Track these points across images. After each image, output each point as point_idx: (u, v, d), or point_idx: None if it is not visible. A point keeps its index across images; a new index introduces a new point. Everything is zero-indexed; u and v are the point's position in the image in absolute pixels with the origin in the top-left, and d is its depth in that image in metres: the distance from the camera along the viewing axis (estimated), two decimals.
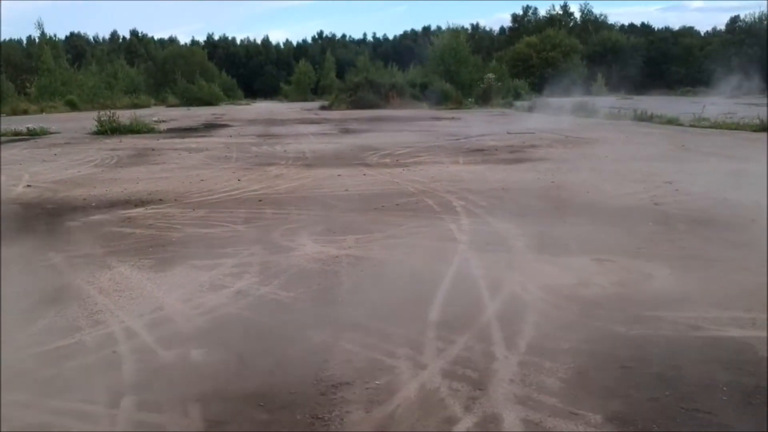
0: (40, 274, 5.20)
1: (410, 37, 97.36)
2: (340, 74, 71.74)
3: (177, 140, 19.13)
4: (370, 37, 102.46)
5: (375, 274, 4.99)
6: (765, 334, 3.64)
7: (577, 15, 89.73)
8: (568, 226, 6.55)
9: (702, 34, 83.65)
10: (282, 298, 4.48)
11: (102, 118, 22.69)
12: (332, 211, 7.58)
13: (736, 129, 18.80)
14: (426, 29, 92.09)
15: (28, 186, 10.12)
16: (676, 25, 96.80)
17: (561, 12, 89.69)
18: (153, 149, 16.18)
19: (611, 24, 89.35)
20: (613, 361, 3.36)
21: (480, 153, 14.08)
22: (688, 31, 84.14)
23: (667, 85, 67.39)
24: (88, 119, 25.45)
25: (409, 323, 3.92)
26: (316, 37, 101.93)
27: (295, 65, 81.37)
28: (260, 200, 8.42)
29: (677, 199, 7.94)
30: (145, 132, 22.52)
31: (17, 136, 22.01)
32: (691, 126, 20.58)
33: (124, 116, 23.89)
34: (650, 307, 4.13)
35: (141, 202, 8.40)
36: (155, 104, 57.57)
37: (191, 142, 18.51)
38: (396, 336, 3.73)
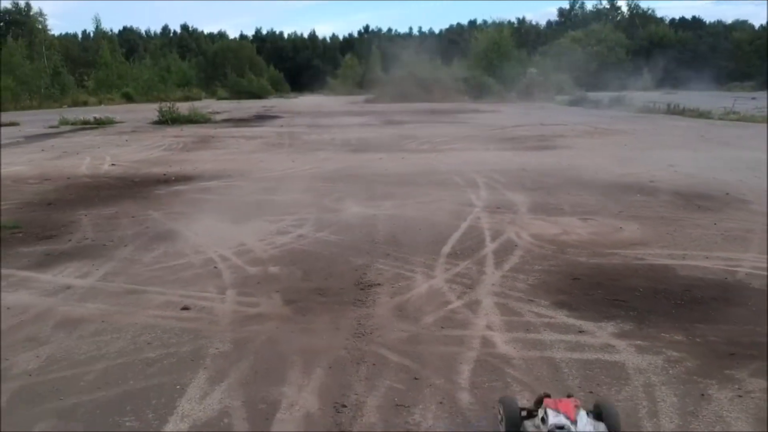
0: (147, 223, 6.74)
1: (456, 31, 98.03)
2: (385, 68, 73.00)
3: (233, 129, 20.82)
4: (416, 31, 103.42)
5: (404, 226, 6.38)
6: (689, 262, 4.92)
7: (625, 9, 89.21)
8: (568, 196, 7.83)
9: (756, 27, 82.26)
10: (332, 239, 5.91)
11: (163, 109, 24.58)
12: (373, 185, 8.97)
13: (762, 122, 19.55)
14: (472, 23, 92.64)
15: (113, 165, 11.78)
16: (729, 19, 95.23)
17: (608, 6, 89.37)
18: (213, 137, 17.85)
19: (660, 18, 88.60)
20: (569, 276, 4.69)
21: (511, 141, 15.32)
22: (740, 25, 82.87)
23: (714, 79, 66.78)
24: (146, 110, 27.45)
25: (426, 254, 5.31)
26: (363, 31, 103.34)
27: (342, 59, 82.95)
28: (312, 176, 9.88)
29: (672, 178, 9.11)
30: (202, 122, 24.29)
31: (86, 125, 24.05)
32: (719, 119, 21.37)
33: (182, 108, 25.71)
34: (611, 248, 5.44)
35: (212, 177, 9.94)
36: (206, 97, 59.77)
37: (246, 131, 20.16)
38: (416, 261, 5.12)
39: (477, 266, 4.97)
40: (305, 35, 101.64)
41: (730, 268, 4.80)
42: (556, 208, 7.14)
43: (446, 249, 5.48)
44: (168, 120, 23.89)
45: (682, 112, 23.79)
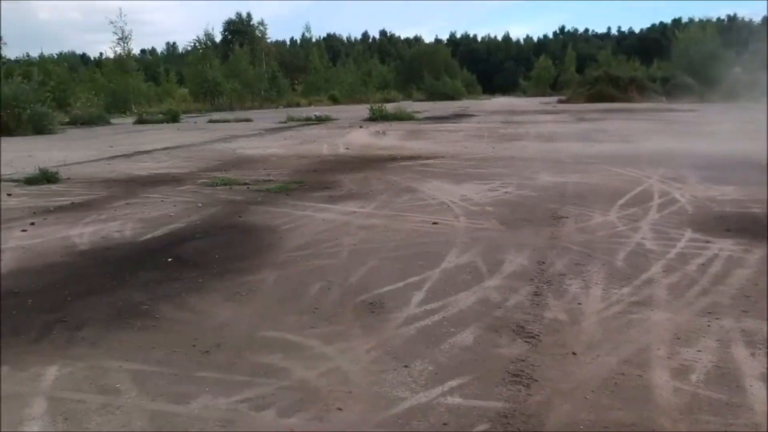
0: (390, 182, 9.12)
1: (658, 30, 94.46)
2: (579, 69, 72.63)
3: (436, 125, 23.31)
4: (614, 31, 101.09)
5: (588, 189, 8.18)
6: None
7: None
8: (707, 173, 9.08)
9: None
10: (531, 194, 7.88)
11: (374, 108, 27.78)
12: (563, 164, 10.73)
13: None
14: (676, 22, 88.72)
15: (347, 149, 14.56)
16: None
17: None
18: (420, 130, 20.39)
19: None
20: (712, 216, 6.25)
21: (697, 135, 16.15)
22: None
23: None
24: (353, 110, 30.81)
25: (604, 204, 7.09)
26: (557, 32, 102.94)
27: (535, 61, 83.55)
28: (510, 157, 11.85)
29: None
30: (406, 119, 27.08)
31: (309, 121, 27.84)
32: None
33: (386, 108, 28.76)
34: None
35: (429, 157, 12.26)
36: (402, 99, 63.53)
37: (448, 126, 22.54)
38: (595, 207, 6.92)
39: (642, 211, 6.67)
40: (498, 37, 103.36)
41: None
42: (717, 178, 8.51)
43: (620, 201, 7.21)
44: (378, 117, 27.00)
45: None
